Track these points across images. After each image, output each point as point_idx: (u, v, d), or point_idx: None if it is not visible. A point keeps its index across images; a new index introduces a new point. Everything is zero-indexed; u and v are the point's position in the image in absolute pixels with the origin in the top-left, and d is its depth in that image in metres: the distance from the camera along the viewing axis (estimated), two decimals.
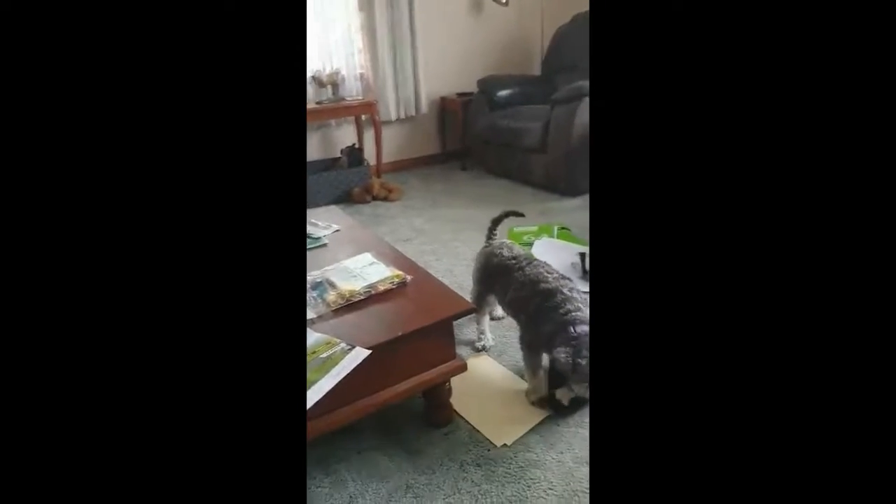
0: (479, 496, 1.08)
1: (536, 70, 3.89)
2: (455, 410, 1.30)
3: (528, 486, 1.09)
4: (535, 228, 2.46)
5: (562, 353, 1.14)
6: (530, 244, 2.27)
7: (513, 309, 1.39)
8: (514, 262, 1.40)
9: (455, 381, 1.27)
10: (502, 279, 1.40)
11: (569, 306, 1.21)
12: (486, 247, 1.55)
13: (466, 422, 1.28)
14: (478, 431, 1.25)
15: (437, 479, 1.13)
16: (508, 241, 1.56)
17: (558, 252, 2.16)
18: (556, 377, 1.16)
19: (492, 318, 1.63)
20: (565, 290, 1.25)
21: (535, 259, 1.41)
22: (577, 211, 2.69)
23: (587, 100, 2.70)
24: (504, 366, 1.48)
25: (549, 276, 1.31)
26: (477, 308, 1.51)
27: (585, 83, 2.72)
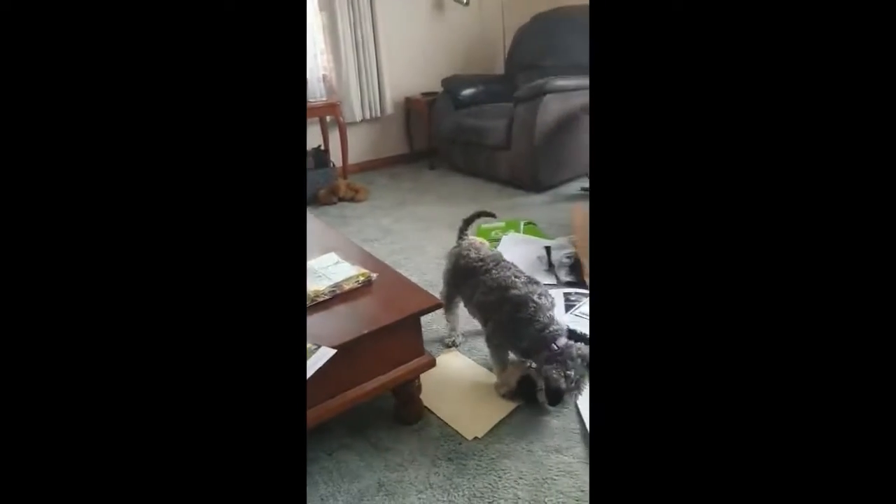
0: (451, 490, 1.08)
1: (500, 69, 3.93)
2: (425, 406, 1.30)
3: (500, 478, 1.10)
4: (502, 224, 2.48)
5: (553, 373, 1.16)
6: (498, 240, 2.30)
7: (480, 312, 1.37)
8: (480, 263, 1.39)
9: (425, 378, 1.27)
10: (469, 280, 1.39)
11: (543, 319, 1.22)
12: (455, 247, 1.55)
13: (437, 417, 1.28)
14: (448, 426, 1.25)
15: (409, 476, 1.13)
16: (478, 242, 1.55)
17: (525, 247, 2.19)
18: (554, 395, 1.18)
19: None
20: (536, 298, 1.25)
21: (504, 260, 1.40)
22: (542, 206, 2.74)
23: (548, 97, 2.75)
24: (473, 360, 1.50)
25: (517, 280, 1.29)
26: (446, 307, 1.52)
27: (545, 81, 2.76)
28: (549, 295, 1.31)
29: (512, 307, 1.26)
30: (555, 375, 1.16)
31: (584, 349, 1.21)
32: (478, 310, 1.38)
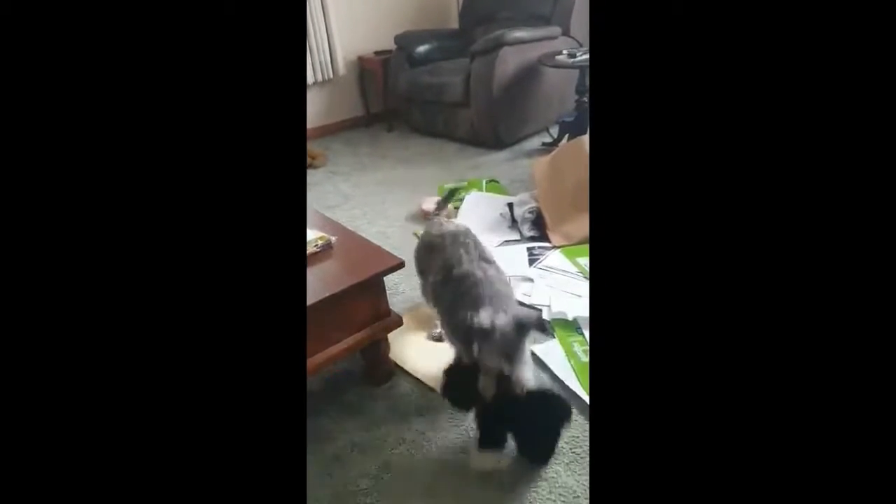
0: (424, 444, 1.10)
1: (454, 23, 3.81)
2: (396, 364, 1.31)
3: (471, 427, 1.13)
4: (464, 183, 2.47)
5: (484, 352, 0.92)
6: (461, 199, 2.28)
7: (431, 298, 1.20)
8: (439, 240, 1.21)
9: (393, 337, 1.27)
10: (428, 262, 1.22)
11: (480, 290, 1.02)
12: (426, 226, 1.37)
13: (408, 375, 1.29)
14: (419, 383, 1.27)
15: (382, 434, 1.14)
16: (444, 218, 1.38)
17: (488, 204, 2.18)
18: (468, 336, 0.95)
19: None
20: (478, 273, 1.06)
21: (463, 238, 1.19)
22: (504, 163, 2.72)
23: (506, 49, 2.69)
24: None
25: (464, 257, 1.11)
26: (425, 297, 1.32)
27: (502, 33, 2.70)
28: (501, 272, 1.13)
29: (455, 286, 1.07)
30: (485, 358, 0.93)
31: (522, 312, 0.99)
32: (429, 294, 1.20)
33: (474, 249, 1.15)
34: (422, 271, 1.28)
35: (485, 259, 1.13)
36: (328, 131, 3.64)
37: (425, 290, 1.28)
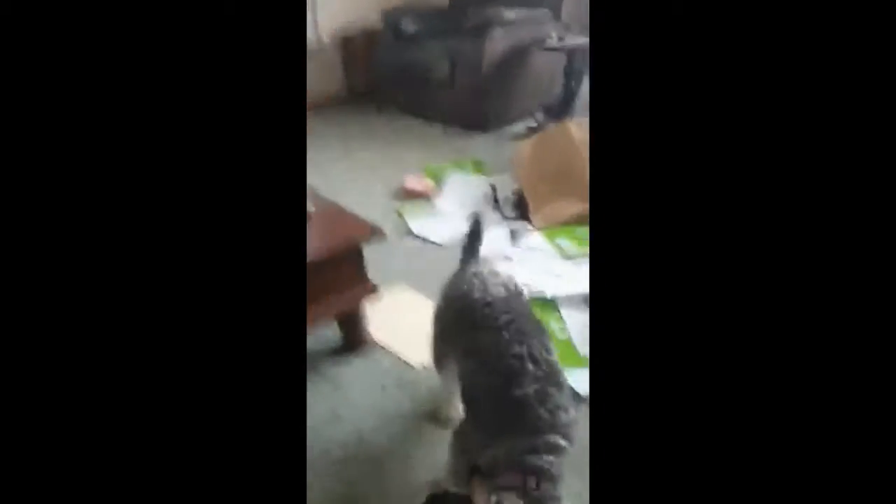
0: (403, 414, 1.11)
1: (443, 1, 3.76)
2: (375, 340, 1.31)
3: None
4: (448, 165, 2.46)
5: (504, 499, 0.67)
6: (443, 179, 2.27)
7: (464, 397, 0.83)
8: (487, 310, 0.82)
9: (373, 311, 1.27)
10: (464, 336, 0.84)
11: (536, 441, 0.70)
12: (458, 272, 0.96)
13: (386, 350, 1.30)
14: (397, 356, 1.27)
15: (363, 405, 1.14)
16: (494, 270, 0.93)
17: (470, 185, 2.18)
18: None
19: None
20: (543, 410, 0.71)
21: (521, 314, 0.82)
22: (489, 146, 2.71)
23: (496, 30, 2.66)
24: (422, 294, 1.50)
25: (530, 369, 0.74)
26: (437, 364, 1.00)
27: (493, 12, 2.67)
28: (568, 409, 0.74)
29: (515, 406, 0.73)
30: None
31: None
32: (463, 393, 0.84)
33: (544, 347, 0.78)
34: (446, 341, 0.93)
35: (555, 367, 0.78)
36: (310, 108, 3.57)
37: (441, 356, 0.96)
